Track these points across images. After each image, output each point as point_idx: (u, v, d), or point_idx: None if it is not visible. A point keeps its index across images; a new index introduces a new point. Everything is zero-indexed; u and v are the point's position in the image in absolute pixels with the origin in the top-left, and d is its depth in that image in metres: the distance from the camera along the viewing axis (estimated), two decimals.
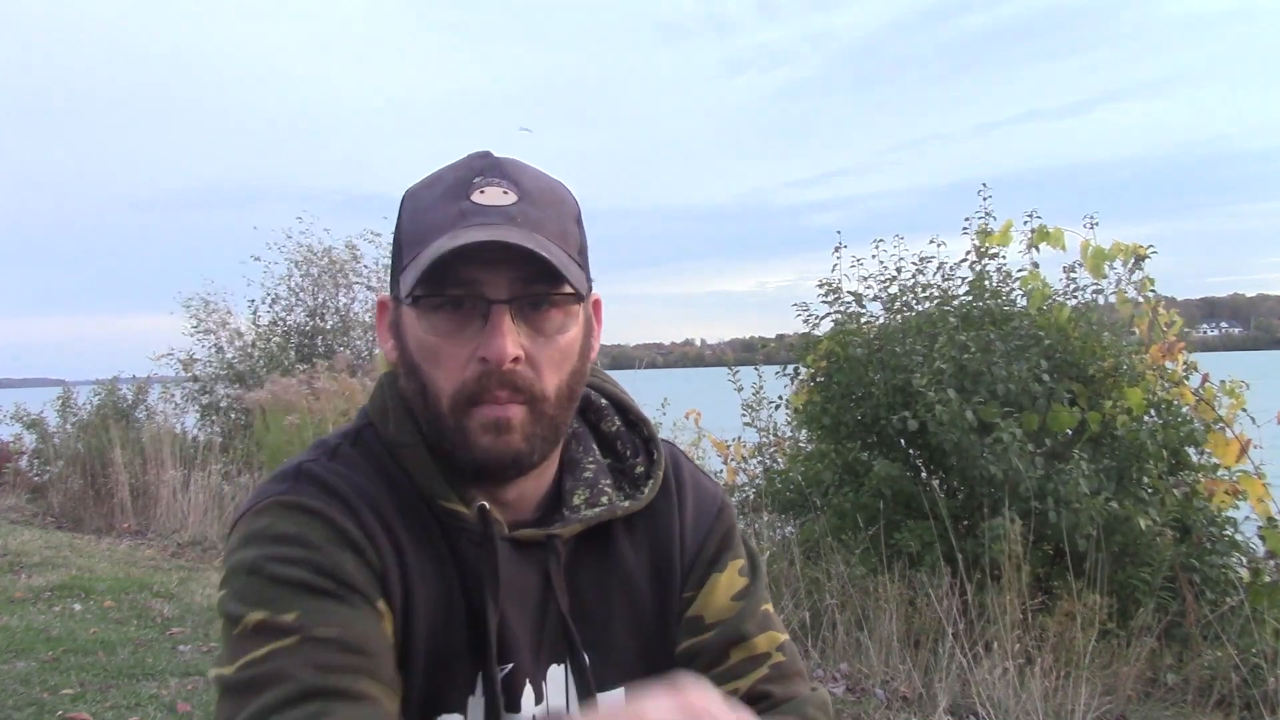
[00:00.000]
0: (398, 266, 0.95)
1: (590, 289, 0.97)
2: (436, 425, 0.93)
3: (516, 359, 0.89)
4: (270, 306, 11.55)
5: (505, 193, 0.92)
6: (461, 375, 0.90)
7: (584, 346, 0.96)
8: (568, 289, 0.91)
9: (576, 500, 1.00)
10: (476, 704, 0.94)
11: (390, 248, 1.00)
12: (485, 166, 0.94)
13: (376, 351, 10.77)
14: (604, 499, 1.00)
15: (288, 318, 11.57)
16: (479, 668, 0.94)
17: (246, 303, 11.67)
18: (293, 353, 10.80)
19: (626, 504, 1.01)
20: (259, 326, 11.44)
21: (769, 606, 1.07)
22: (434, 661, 0.93)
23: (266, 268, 11.49)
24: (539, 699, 0.96)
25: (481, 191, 0.92)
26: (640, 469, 1.05)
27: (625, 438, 1.07)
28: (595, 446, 1.05)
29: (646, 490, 1.03)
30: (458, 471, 0.95)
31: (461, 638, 0.93)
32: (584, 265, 0.96)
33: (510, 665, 0.95)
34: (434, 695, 0.92)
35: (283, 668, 0.81)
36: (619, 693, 0.99)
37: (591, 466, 1.03)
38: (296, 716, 0.79)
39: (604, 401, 1.09)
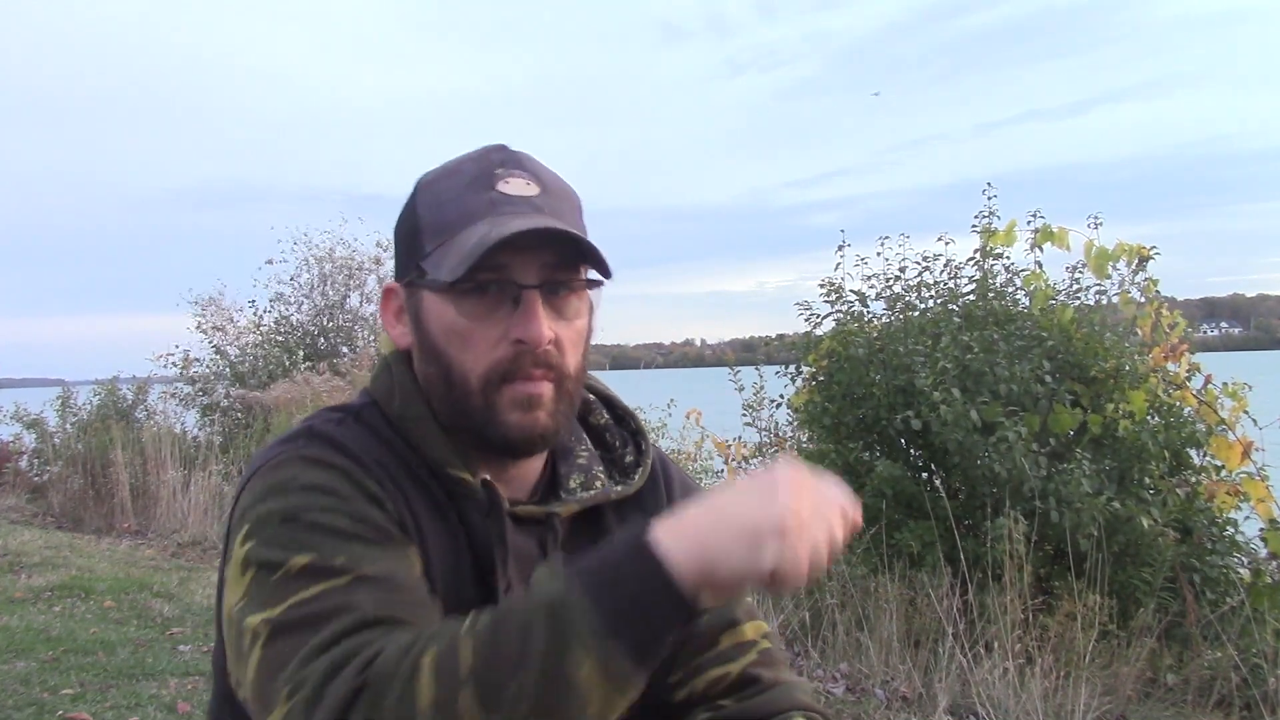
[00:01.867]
0: (417, 254, 0.98)
1: None
2: (464, 405, 0.96)
3: (551, 341, 0.94)
4: (274, 305, 11.55)
5: (528, 184, 0.97)
6: (492, 355, 0.94)
7: (589, 332, 1.02)
8: (591, 275, 0.97)
9: (572, 484, 1.05)
10: None
11: (399, 236, 1.02)
12: (504, 159, 0.99)
13: (372, 343, 10.75)
14: (598, 483, 1.06)
15: (292, 315, 11.56)
16: None
17: (249, 302, 11.71)
18: (297, 353, 10.79)
19: (619, 489, 1.06)
20: (262, 326, 11.45)
21: (750, 598, 1.13)
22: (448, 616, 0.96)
23: (275, 267, 11.51)
24: None
25: (506, 182, 0.96)
26: (629, 458, 1.10)
27: (614, 430, 1.12)
28: (586, 436, 1.10)
29: (637, 477, 1.08)
30: (482, 449, 0.98)
31: (470, 597, 0.96)
32: None
33: None
34: None
35: (345, 601, 0.81)
36: None
37: (584, 454, 1.08)
38: (371, 638, 0.79)
39: (591, 396, 1.13)
